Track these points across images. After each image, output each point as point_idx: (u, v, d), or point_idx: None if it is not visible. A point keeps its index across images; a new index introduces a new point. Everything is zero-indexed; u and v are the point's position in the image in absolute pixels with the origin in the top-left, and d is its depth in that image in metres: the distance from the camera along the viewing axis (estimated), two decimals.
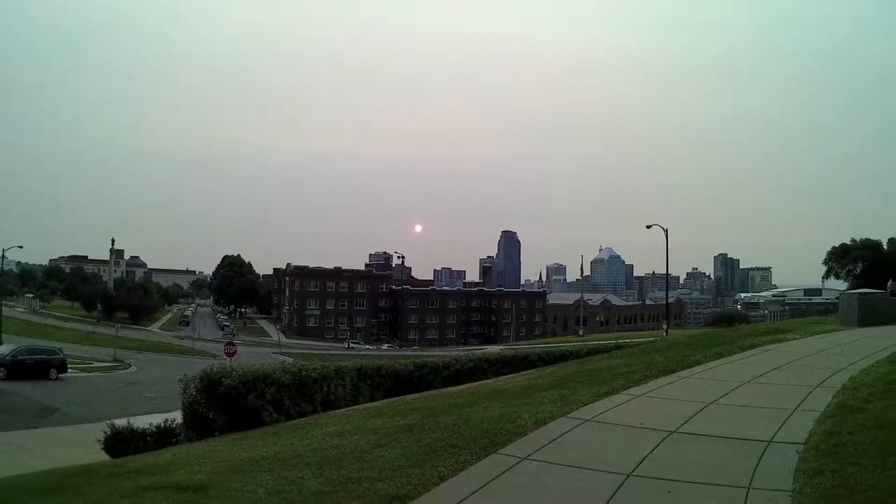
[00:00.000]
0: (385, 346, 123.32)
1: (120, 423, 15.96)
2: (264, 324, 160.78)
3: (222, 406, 14.42)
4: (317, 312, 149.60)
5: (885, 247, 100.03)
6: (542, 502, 6.25)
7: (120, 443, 15.18)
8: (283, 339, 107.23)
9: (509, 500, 6.35)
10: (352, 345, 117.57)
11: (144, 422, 16.23)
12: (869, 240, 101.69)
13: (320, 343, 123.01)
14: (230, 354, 42.01)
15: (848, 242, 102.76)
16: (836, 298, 26.07)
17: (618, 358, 17.28)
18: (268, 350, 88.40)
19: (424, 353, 49.75)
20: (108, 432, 15.44)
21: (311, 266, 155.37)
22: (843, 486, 5.84)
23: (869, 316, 21.41)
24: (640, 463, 7.13)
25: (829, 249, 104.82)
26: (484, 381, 16.98)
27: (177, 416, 15.83)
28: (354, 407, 15.19)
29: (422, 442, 8.37)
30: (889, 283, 34.26)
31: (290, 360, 30.97)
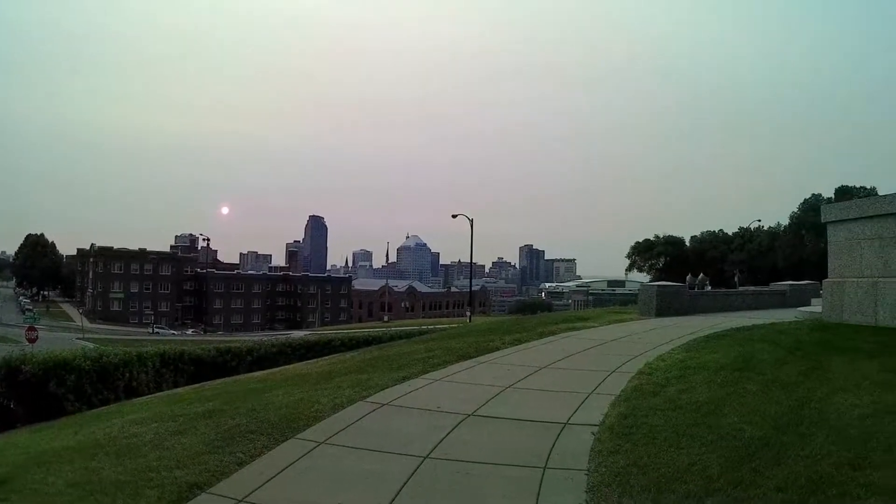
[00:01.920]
0: (190, 331, 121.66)
1: None
2: (68, 307, 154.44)
3: (23, 395, 14.22)
4: (121, 296, 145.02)
5: (687, 244, 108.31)
6: (339, 486, 6.35)
7: None
8: (87, 324, 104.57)
9: (307, 484, 6.45)
10: (156, 329, 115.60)
11: None
12: (672, 236, 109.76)
13: (125, 328, 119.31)
14: (32, 340, 40.76)
15: (652, 238, 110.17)
16: (638, 290, 27.66)
17: (418, 343, 17.56)
18: (72, 335, 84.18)
19: (229, 339, 49.03)
20: None
21: (115, 247, 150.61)
22: (636, 465, 6.24)
23: (667, 307, 22.95)
24: (437, 445, 7.31)
25: (632, 244, 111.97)
26: (286, 367, 17.14)
27: None
28: (157, 394, 15.25)
29: (221, 428, 8.43)
30: (688, 277, 37.09)
31: (91, 345, 29.47)
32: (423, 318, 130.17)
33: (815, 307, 17.20)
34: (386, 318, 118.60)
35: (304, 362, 18.21)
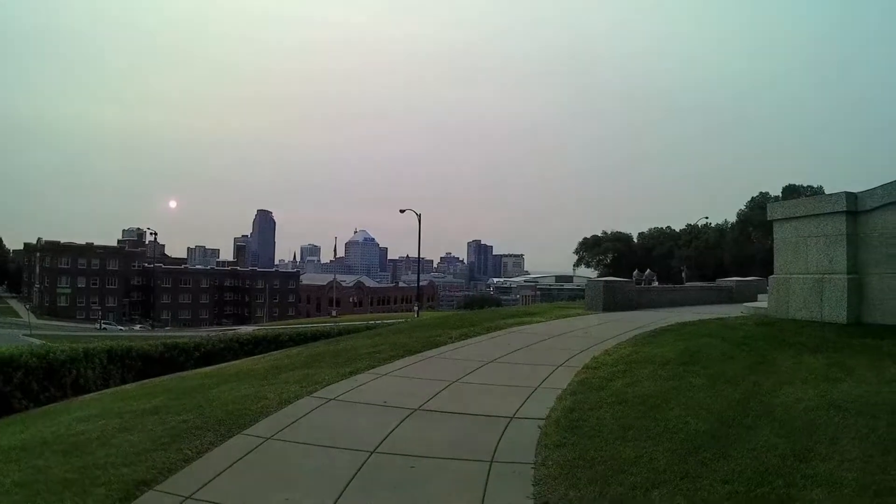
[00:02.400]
0: (138, 327, 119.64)
1: None
2: (15, 303, 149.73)
3: None
4: (68, 291, 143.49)
5: (635, 240, 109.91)
6: (286, 482, 6.34)
7: None
8: (34, 320, 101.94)
9: (253, 480, 6.42)
10: (104, 325, 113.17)
11: None
12: (620, 233, 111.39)
13: (72, 324, 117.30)
14: None
15: (600, 234, 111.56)
16: (586, 285, 27.86)
17: (365, 338, 17.48)
18: (18, 332, 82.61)
19: (176, 334, 48.59)
20: None
21: (62, 241, 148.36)
22: (583, 458, 6.30)
23: (614, 302, 23.15)
24: (384, 440, 7.31)
25: (580, 240, 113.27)
26: (234, 362, 17.06)
27: None
28: (105, 390, 15.09)
29: (167, 424, 8.38)
30: (635, 273, 37.58)
31: (38, 342, 29.02)
32: (372, 312, 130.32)
33: (762, 303, 17.47)
34: (334, 313, 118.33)
35: (251, 358, 18.10)
